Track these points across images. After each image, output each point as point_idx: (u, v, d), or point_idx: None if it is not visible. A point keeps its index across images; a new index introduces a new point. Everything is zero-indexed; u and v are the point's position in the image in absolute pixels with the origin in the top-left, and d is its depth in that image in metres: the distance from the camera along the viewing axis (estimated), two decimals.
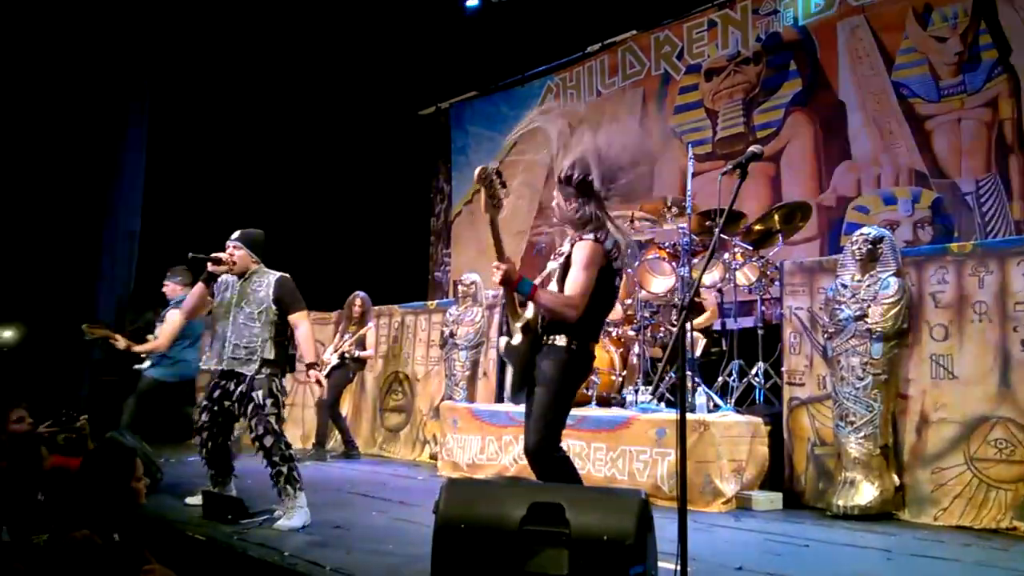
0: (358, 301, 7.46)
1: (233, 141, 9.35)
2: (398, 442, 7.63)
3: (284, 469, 4.04)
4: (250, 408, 4.07)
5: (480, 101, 10.02)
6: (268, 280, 4.23)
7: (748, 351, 5.67)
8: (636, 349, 5.93)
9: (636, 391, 5.53)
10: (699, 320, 6.02)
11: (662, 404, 5.38)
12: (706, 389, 5.29)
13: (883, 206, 6.50)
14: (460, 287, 7.16)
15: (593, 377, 5.53)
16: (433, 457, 6.79)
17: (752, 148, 2.81)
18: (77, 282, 8.31)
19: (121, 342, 5.38)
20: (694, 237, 5.66)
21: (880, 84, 6.62)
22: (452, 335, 6.93)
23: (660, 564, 2.57)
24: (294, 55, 9.32)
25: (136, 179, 8.99)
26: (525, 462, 5.47)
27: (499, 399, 6.50)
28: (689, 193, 5.59)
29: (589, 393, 5.61)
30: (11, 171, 8.28)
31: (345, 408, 7.87)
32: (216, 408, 4.20)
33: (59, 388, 5.93)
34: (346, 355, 7.29)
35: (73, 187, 8.66)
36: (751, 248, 5.78)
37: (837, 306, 4.65)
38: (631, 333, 5.99)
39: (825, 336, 4.75)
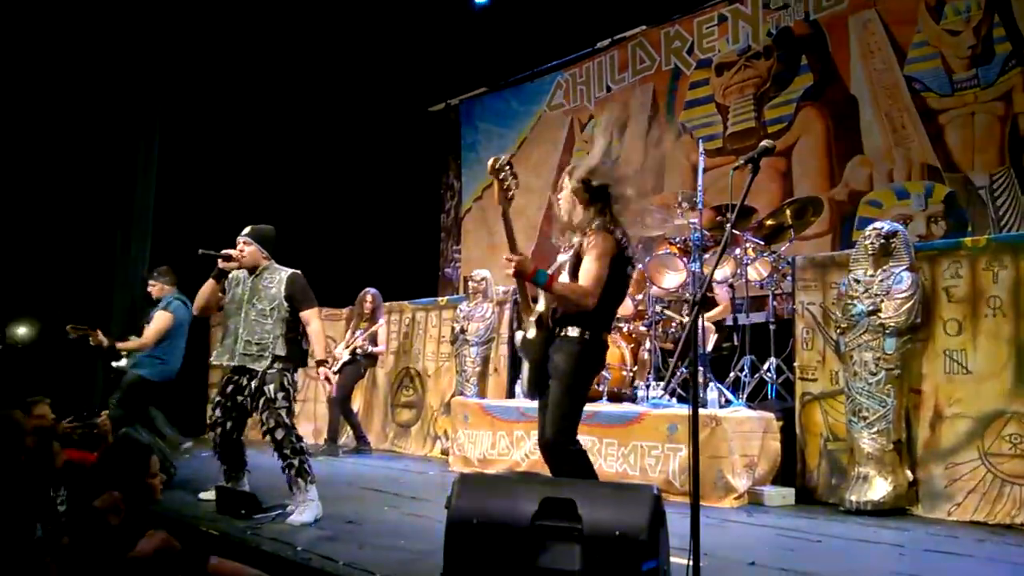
0: (369, 297, 7.48)
1: (244, 138, 9.37)
2: (409, 437, 7.65)
3: (295, 462, 4.06)
4: (262, 402, 4.09)
5: (490, 97, 10.01)
6: (279, 277, 4.25)
7: (760, 346, 5.66)
8: (647, 344, 5.93)
9: (647, 386, 5.52)
10: (712, 313, 6.00)
11: (673, 399, 5.38)
12: (718, 384, 5.28)
13: (896, 200, 6.45)
14: (470, 283, 7.17)
15: (604, 373, 5.53)
16: (444, 453, 6.81)
17: (764, 143, 2.80)
18: (92, 280, 8.36)
19: (103, 340, 5.47)
20: (705, 232, 5.64)
21: (892, 78, 6.56)
22: (463, 331, 6.94)
23: (672, 559, 2.57)
24: (304, 52, 9.33)
25: (149, 176, 9.03)
26: (536, 457, 5.51)
27: (510, 395, 6.51)
28: (700, 188, 5.57)
29: (600, 389, 5.60)
30: (26, 168, 8.34)
31: (356, 404, 7.90)
32: (229, 404, 4.22)
33: (74, 384, 5.97)
34: (358, 351, 7.31)
35: (87, 183, 8.71)
36: (763, 243, 5.76)
37: (850, 301, 4.63)
38: (642, 328, 5.98)
39: (838, 331, 4.73)
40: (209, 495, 4.48)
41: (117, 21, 8.45)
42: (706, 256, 5.60)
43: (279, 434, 4.06)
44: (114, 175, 8.95)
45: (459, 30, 9.22)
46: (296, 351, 4.23)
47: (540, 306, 3.17)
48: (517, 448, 5.70)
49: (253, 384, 4.14)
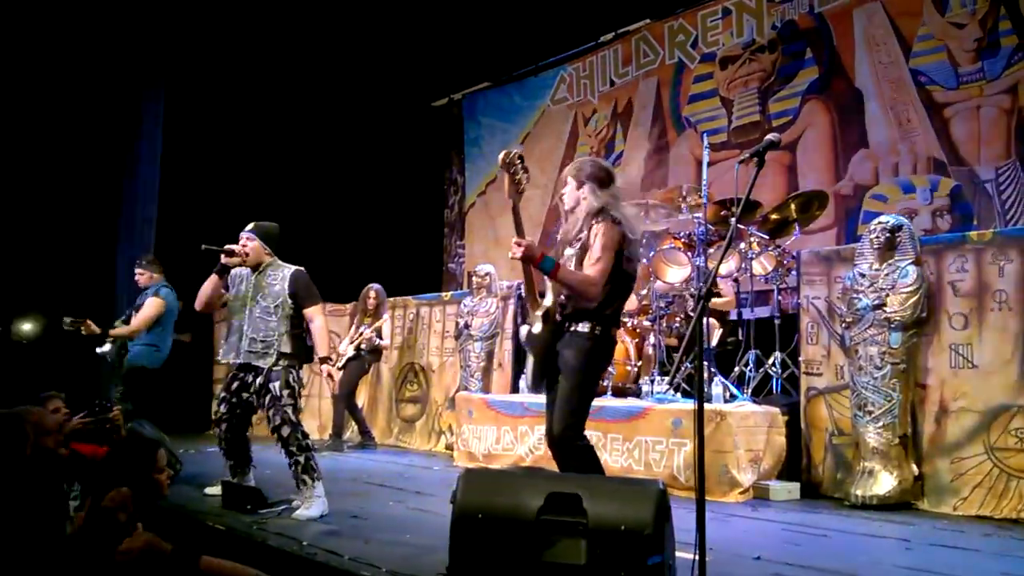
0: (372, 293, 7.48)
1: (247, 133, 9.38)
2: (414, 432, 7.66)
3: (301, 459, 4.06)
4: (267, 399, 4.10)
5: (493, 92, 9.99)
6: (283, 274, 4.25)
7: (765, 341, 5.64)
8: (651, 339, 5.92)
9: (652, 381, 5.52)
10: (718, 302, 5.97)
11: (678, 394, 5.37)
12: (723, 379, 5.27)
13: (901, 194, 6.43)
14: (474, 278, 7.16)
15: (608, 368, 5.53)
16: (449, 447, 6.82)
17: (769, 136, 2.79)
18: (95, 276, 8.38)
19: (95, 329, 5.54)
20: (710, 227, 5.63)
21: (897, 71, 6.54)
22: (467, 326, 6.94)
23: (678, 554, 2.57)
24: (307, 47, 9.32)
25: (152, 171, 9.03)
26: (541, 452, 5.52)
27: (514, 389, 6.51)
28: (705, 182, 5.56)
29: (605, 384, 5.60)
30: (27, 163, 8.35)
31: (361, 399, 7.92)
32: (235, 400, 4.23)
33: (78, 378, 5.99)
34: (362, 347, 7.32)
35: (89, 178, 8.72)
36: (767, 237, 5.74)
37: (855, 295, 4.62)
38: (646, 323, 5.97)
39: (843, 325, 4.72)
40: (215, 490, 4.49)
41: (121, 17, 8.44)
42: (710, 250, 5.59)
43: (285, 431, 4.07)
44: (117, 171, 8.96)
45: (462, 25, 9.19)
46: (301, 348, 4.23)
47: (547, 300, 3.17)
48: (521, 443, 5.71)
49: (259, 381, 4.14)
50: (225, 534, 3.74)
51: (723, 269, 5.68)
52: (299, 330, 4.23)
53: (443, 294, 8.24)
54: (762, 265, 5.76)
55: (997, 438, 4.19)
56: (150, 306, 5.61)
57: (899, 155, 6.50)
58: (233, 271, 4.32)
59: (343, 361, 7.22)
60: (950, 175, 6.20)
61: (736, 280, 5.92)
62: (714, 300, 5.86)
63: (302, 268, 4.31)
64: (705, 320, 5.41)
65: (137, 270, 5.89)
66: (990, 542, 3.66)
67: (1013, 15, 5.94)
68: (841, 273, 4.88)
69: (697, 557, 2.44)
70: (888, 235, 4.55)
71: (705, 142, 5.80)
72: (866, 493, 4.38)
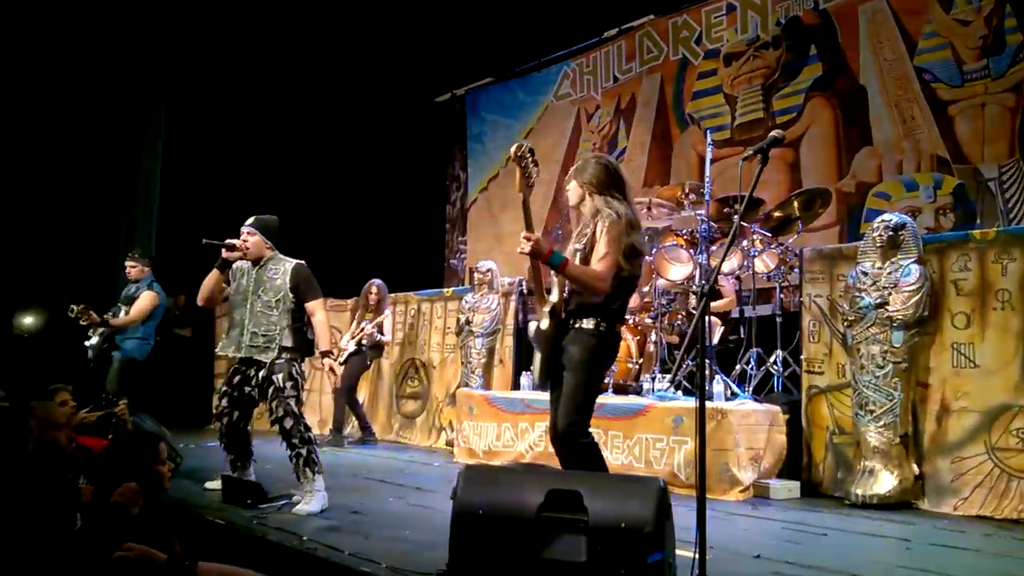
0: (374, 288, 7.48)
1: (250, 128, 9.37)
2: (414, 428, 7.66)
3: (303, 452, 4.07)
4: (270, 391, 4.10)
5: (496, 87, 9.97)
6: (284, 268, 4.24)
7: (766, 339, 5.63)
8: (653, 337, 5.91)
9: (653, 379, 5.51)
10: (718, 304, 5.98)
11: (679, 392, 5.36)
12: (724, 377, 5.26)
13: (904, 192, 6.41)
14: (476, 274, 7.16)
15: (613, 364, 5.52)
16: (449, 444, 6.82)
17: (773, 133, 2.78)
18: (97, 269, 8.38)
19: (95, 318, 5.68)
20: (712, 224, 5.61)
21: (902, 69, 6.51)
22: (468, 322, 6.94)
23: (678, 552, 2.57)
24: (310, 43, 9.31)
25: (155, 165, 9.04)
26: (541, 449, 5.52)
27: (515, 386, 6.51)
28: (708, 179, 5.54)
29: (606, 381, 5.60)
30: (31, 159, 8.35)
31: (362, 394, 7.92)
32: (236, 394, 4.23)
33: (83, 372, 6.01)
34: (364, 340, 7.32)
35: (93, 172, 8.72)
36: (770, 235, 5.73)
37: (857, 294, 4.61)
38: (648, 321, 5.96)
39: (845, 324, 4.71)
40: (215, 484, 4.49)
41: (123, 14, 8.44)
42: (713, 248, 5.58)
43: (288, 423, 4.07)
44: (119, 166, 8.96)
45: (465, 20, 9.17)
46: (302, 341, 4.24)
47: (554, 297, 3.17)
48: (522, 440, 5.70)
49: (261, 374, 4.14)
50: (225, 529, 3.74)
51: (725, 267, 5.67)
52: (300, 324, 4.23)
53: (444, 290, 8.24)
54: (764, 263, 5.74)
55: (998, 438, 4.17)
56: (146, 299, 5.74)
57: (903, 153, 6.48)
58: (234, 265, 4.32)
59: (344, 356, 7.22)
60: (954, 173, 6.18)
61: (738, 278, 5.91)
62: (713, 304, 5.85)
63: (303, 262, 4.31)
64: (707, 318, 5.40)
65: (128, 263, 5.98)
66: (991, 542, 3.65)
67: (1018, 12, 5.92)
68: (843, 271, 4.86)
69: (697, 555, 2.43)
70: (891, 233, 4.54)
71: (708, 139, 5.78)
72: (866, 492, 4.37)
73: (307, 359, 4.43)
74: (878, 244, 4.58)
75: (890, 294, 4.47)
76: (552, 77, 9.29)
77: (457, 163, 10.44)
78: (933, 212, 6.24)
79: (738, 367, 5.60)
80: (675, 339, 6.03)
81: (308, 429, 4.15)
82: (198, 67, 9.08)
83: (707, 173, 5.57)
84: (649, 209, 5.82)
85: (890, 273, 4.51)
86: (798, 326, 5.19)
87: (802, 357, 5.07)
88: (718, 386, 5.13)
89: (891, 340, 4.45)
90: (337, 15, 9.14)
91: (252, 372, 4.18)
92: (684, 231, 5.89)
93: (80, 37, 8.30)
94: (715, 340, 5.79)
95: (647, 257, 5.57)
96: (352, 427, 7.56)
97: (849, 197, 6.73)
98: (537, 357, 3.26)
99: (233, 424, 4.28)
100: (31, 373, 6.10)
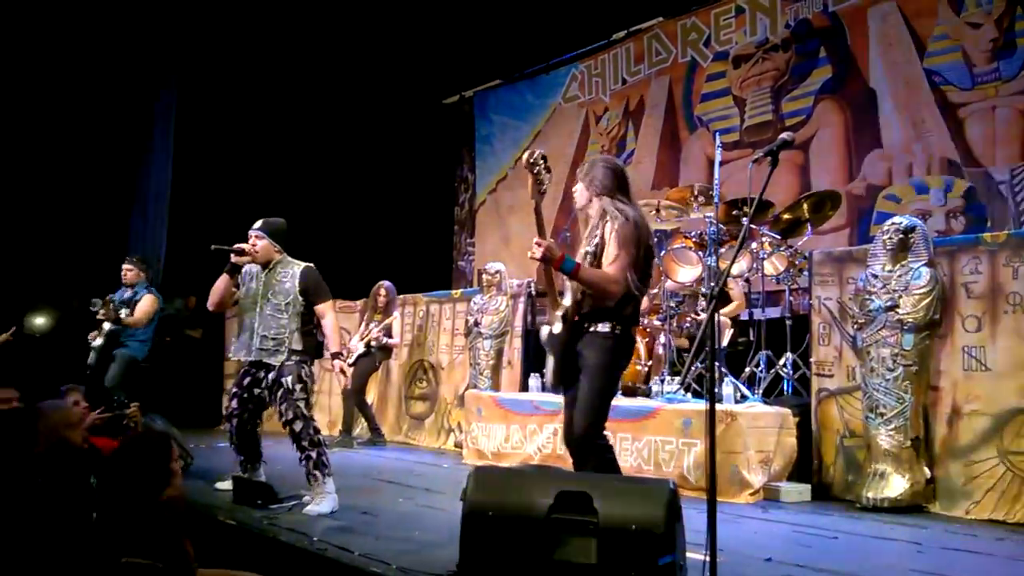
0: (383, 290, 7.48)
1: (258, 130, 9.40)
2: (423, 430, 7.67)
3: (313, 454, 4.08)
4: (280, 394, 4.11)
5: (504, 89, 9.98)
6: (293, 271, 4.25)
7: (776, 341, 5.62)
8: (662, 339, 5.90)
9: (662, 381, 5.51)
10: (727, 309, 5.98)
11: (688, 394, 5.36)
12: (733, 379, 5.25)
13: (915, 195, 6.39)
14: (484, 276, 7.16)
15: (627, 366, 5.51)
16: (458, 445, 6.82)
17: (783, 135, 2.78)
18: (108, 271, 8.42)
19: (112, 314, 5.88)
20: (721, 226, 5.61)
21: (912, 71, 6.49)
22: (477, 324, 6.94)
23: (688, 554, 2.56)
24: (319, 45, 9.34)
25: (164, 168, 9.08)
26: (550, 451, 5.52)
27: (523, 388, 6.51)
28: (717, 181, 5.53)
29: None
30: (42, 160, 8.40)
31: (371, 396, 7.92)
32: (246, 395, 4.24)
33: (87, 372, 6.07)
34: (372, 343, 7.33)
35: (103, 174, 8.77)
36: (779, 237, 5.71)
37: (868, 296, 4.59)
38: (657, 323, 5.95)
39: (855, 327, 4.69)
40: (225, 485, 4.50)
41: (136, 17, 8.49)
42: (722, 250, 5.57)
43: (297, 426, 4.08)
44: (130, 166, 9.01)
45: (474, 22, 9.19)
46: (311, 344, 4.26)
47: (567, 300, 3.17)
48: (530, 441, 5.70)
49: (271, 377, 4.16)
50: (235, 529, 3.75)
51: (734, 269, 5.66)
52: (310, 327, 4.25)
53: (453, 292, 8.25)
54: (774, 265, 5.73)
55: (1010, 441, 4.15)
56: (149, 302, 5.92)
57: (913, 156, 6.45)
58: (244, 269, 4.34)
59: (353, 358, 7.23)
60: (964, 176, 6.15)
61: (747, 280, 5.90)
62: (723, 309, 5.84)
63: (312, 265, 4.32)
64: (716, 320, 5.39)
65: (125, 266, 6.11)
66: (1003, 546, 3.63)
67: None
68: (853, 274, 4.85)
69: (708, 558, 2.43)
70: (901, 236, 4.52)
71: (717, 141, 5.78)
72: (877, 496, 4.36)
73: (317, 361, 4.44)
74: (888, 247, 4.56)
75: (900, 297, 4.45)
76: (560, 79, 9.29)
77: (465, 165, 10.45)
78: (944, 215, 6.21)
79: (748, 370, 5.59)
80: (684, 342, 6.02)
81: (318, 432, 4.16)
82: (208, 68, 9.12)
83: (716, 175, 5.56)
84: (658, 211, 5.81)
85: (900, 276, 4.49)
86: (808, 329, 5.17)
87: (812, 360, 5.06)
88: (727, 388, 5.12)
89: (901, 343, 4.43)
90: (346, 17, 9.16)
91: (262, 374, 4.20)
92: (693, 233, 5.88)
93: (90, 38, 8.34)
94: (724, 343, 5.78)
95: (655, 259, 5.56)
96: (361, 428, 7.57)
97: (859, 200, 6.71)
98: (550, 361, 3.26)
99: (242, 425, 4.30)
100: (44, 373, 6.14)
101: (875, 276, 4.60)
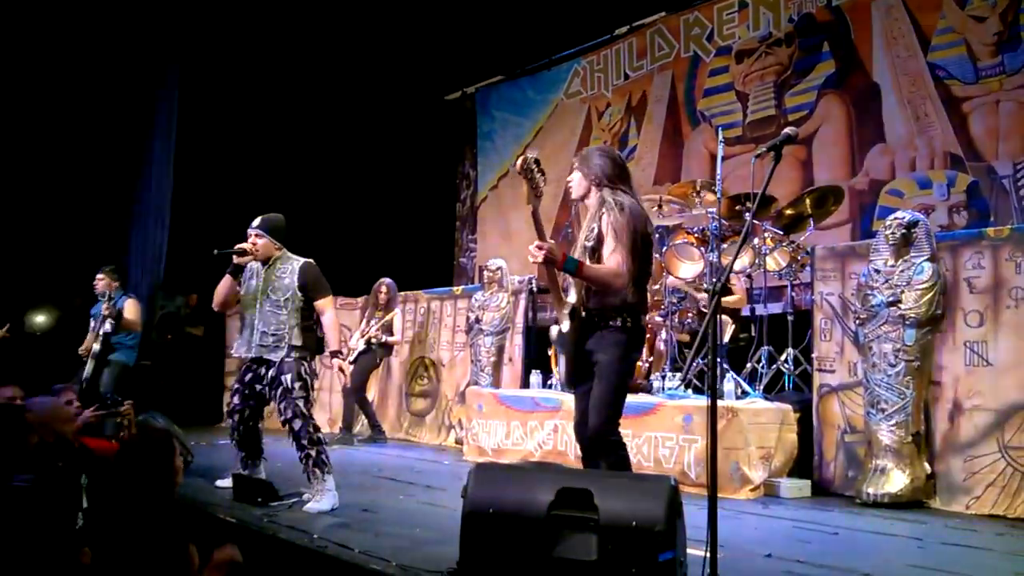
0: (383, 287, 7.48)
1: (259, 127, 9.40)
2: (424, 427, 7.67)
3: (313, 452, 4.07)
4: (279, 392, 4.11)
5: (506, 85, 9.97)
6: (292, 267, 4.24)
7: (777, 337, 5.61)
8: (663, 335, 5.89)
9: (663, 377, 5.50)
10: (729, 300, 5.94)
11: (689, 390, 5.35)
12: (734, 375, 5.24)
13: (917, 190, 6.37)
14: (486, 273, 7.16)
15: (640, 358, 5.49)
16: (459, 442, 6.82)
17: (787, 130, 2.76)
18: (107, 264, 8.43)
19: (114, 311, 5.98)
20: (723, 222, 5.59)
21: (915, 66, 6.47)
22: (478, 320, 6.94)
23: (689, 551, 2.56)
24: (320, 41, 9.33)
25: (165, 164, 9.08)
26: (550, 447, 5.52)
27: (524, 384, 6.51)
28: (719, 177, 5.52)
29: None
30: (44, 160, 8.40)
31: (371, 393, 7.93)
32: (248, 391, 4.24)
33: (90, 382, 6.10)
34: (373, 341, 7.33)
35: (105, 174, 8.77)
36: (781, 233, 5.70)
37: (870, 292, 4.58)
38: (658, 319, 5.94)
39: (857, 322, 4.68)
40: (226, 483, 4.50)
41: (136, 13, 8.48)
42: (724, 246, 5.56)
43: (297, 424, 4.08)
44: (131, 166, 9.01)
45: (476, 18, 9.17)
46: (312, 340, 4.25)
47: (572, 298, 3.15)
48: (531, 438, 5.70)
49: (271, 374, 4.15)
50: (236, 527, 3.75)
51: (736, 265, 5.64)
52: (310, 323, 4.24)
53: (454, 288, 8.24)
54: (776, 261, 5.72)
55: (1011, 437, 4.14)
56: (133, 307, 6.07)
57: (916, 150, 6.43)
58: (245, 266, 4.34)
59: (354, 355, 7.23)
60: (967, 171, 6.13)
61: (749, 276, 5.88)
62: (724, 299, 5.82)
63: (311, 260, 4.31)
64: (718, 316, 5.38)
65: (99, 276, 6.15)
66: (1003, 541, 3.63)
67: None
68: (856, 269, 4.83)
69: (708, 554, 2.42)
70: (904, 231, 4.51)
71: (720, 136, 5.76)
72: (878, 491, 4.35)
73: (318, 357, 4.44)
74: (891, 242, 4.55)
75: (903, 292, 4.44)
76: (563, 75, 9.27)
77: (467, 161, 10.44)
78: (946, 210, 6.19)
79: (749, 365, 5.58)
80: (685, 337, 6.01)
81: (317, 430, 4.15)
82: (209, 65, 9.11)
83: (718, 170, 5.55)
84: (660, 207, 5.80)
85: (903, 271, 4.48)
86: (809, 324, 5.16)
87: (813, 355, 5.05)
88: (729, 384, 5.12)
89: (903, 338, 4.42)
90: (348, 13, 9.15)
91: (263, 370, 4.20)
92: (695, 229, 5.87)
93: (89, 33, 8.34)
94: (726, 338, 5.77)
95: (656, 255, 5.55)
96: (362, 425, 7.57)
97: (862, 194, 6.69)
98: (562, 360, 3.25)
99: (244, 421, 4.30)
100: (44, 371, 6.16)
101: (877, 271, 4.59)
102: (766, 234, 5.63)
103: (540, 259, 3.00)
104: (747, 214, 5.40)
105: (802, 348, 5.42)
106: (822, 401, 4.93)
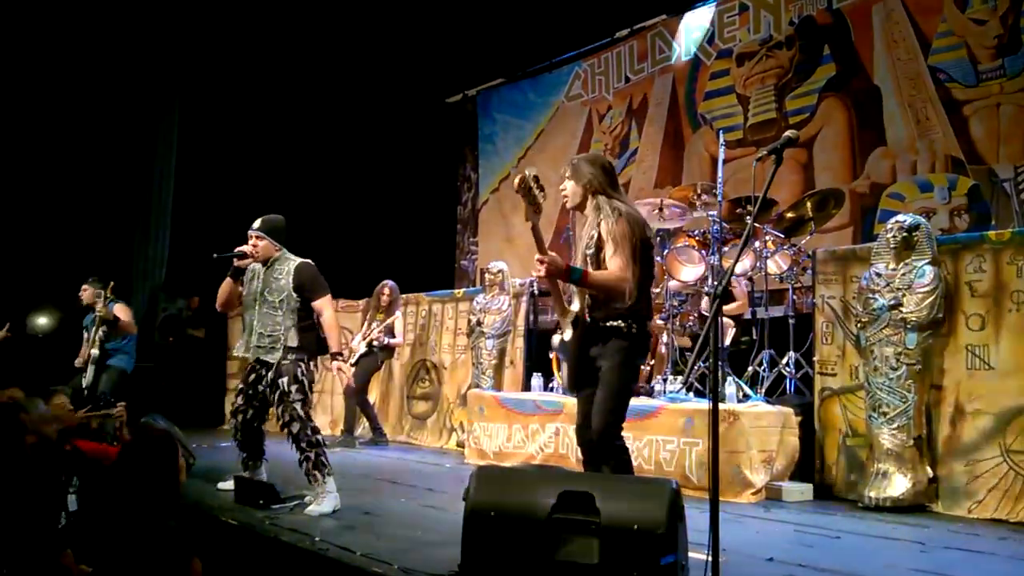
0: (386, 290, 7.48)
1: (262, 129, 9.41)
2: (425, 429, 7.67)
3: (311, 455, 4.07)
4: (276, 395, 4.11)
5: (507, 88, 9.97)
6: (288, 268, 4.23)
7: (779, 340, 5.60)
8: (664, 338, 5.89)
9: (665, 380, 5.49)
10: (730, 307, 5.96)
11: (690, 394, 5.34)
12: (736, 379, 5.24)
13: (919, 193, 6.37)
14: (487, 275, 7.15)
15: (644, 363, 5.50)
16: (460, 445, 6.82)
17: (788, 133, 2.76)
18: (112, 271, 8.43)
19: (110, 315, 6.08)
20: (724, 225, 5.59)
21: (916, 69, 6.47)
22: (479, 323, 6.93)
23: (690, 554, 2.56)
24: (322, 44, 9.35)
25: (168, 168, 9.10)
26: (552, 450, 5.51)
27: (526, 387, 6.50)
28: (720, 180, 5.52)
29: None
30: (48, 165, 8.42)
31: (373, 395, 7.93)
32: (251, 392, 4.24)
33: (90, 390, 6.13)
34: (374, 343, 7.33)
35: (108, 179, 8.78)
36: (783, 236, 5.70)
37: (871, 295, 4.58)
38: (659, 322, 5.94)
39: (858, 325, 4.68)
40: (228, 485, 4.50)
41: (136, 21, 8.50)
42: (725, 249, 5.55)
43: (295, 428, 4.07)
44: (134, 169, 9.03)
45: (477, 20, 9.18)
46: (309, 341, 4.21)
47: (575, 306, 3.16)
48: (532, 441, 5.70)
49: (269, 376, 4.15)
50: (237, 529, 3.75)
51: (738, 268, 5.64)
52: (307, 323, 4.20)
53: (455, 291, 8.24)
54: (777, 264, 5.72)
55: (1013, 441, 4.13)
56: (125, 310, 6.15)
57: (917, 153, 6.43)
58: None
59: (355, 357, 7.23)
60: (968, 174, 6.13)
61: (750, 279, 5.88)
62: (725, 308, 5.82)
63: (308, 260, 4.29)
64: (719, 319, 5.38)
65: (84, 286, 6.24)
66: (1006, 545, 3.62)
67: None
68: (857, 272, 4.83)
69: (710, 558, 2.42)
70: (905, 234, 4.50)
71: (721, 139, 5.76)
72: (880, 495, 4.35)
73: (319, 359, 4.43)
74: (892, 245, 4.55)
75: (904, 295, 4.44)
76: (563, 78, 9.27)
77: (468, 164, 10.44)
78: (948, 213, 6.19)
79: (750, 369, 5.57)
80: (687, 341, 6.01)
81: (316, 432, 4.14)
82: (211, 70, 9.13)
83: (719, 174, 5.55)
84: (661, 210, 5.80)
85: (904, 274, 4.48)
86: (811, 328, 5.16)
87: (815, 359, 5.04)
88: (730, 388, 5.11)
89: (905, 342, 4.41)
90: (348, 16, 9.16)
91: (264, 372, 4.20)
92: (696, 232, 5.87)
93: (95, 43, 8.36)
94: (727, 342, 5.77)
95: (658, 258, 5.55)
96: (363, 428, 7.57)
97: (863, 198, 6.69)
98: (565, 366, 3.25)
99: (248, 422, 4.30)
100: (46, 373, 6.18)
101: (879, 274, 4.58)
102: (767, 237, 5.62)
103: (543, 273, 3.00)
104: (748, 217, 5.40)
105: (803, 351, 5.42)
106: (824, 404, 4.92)
